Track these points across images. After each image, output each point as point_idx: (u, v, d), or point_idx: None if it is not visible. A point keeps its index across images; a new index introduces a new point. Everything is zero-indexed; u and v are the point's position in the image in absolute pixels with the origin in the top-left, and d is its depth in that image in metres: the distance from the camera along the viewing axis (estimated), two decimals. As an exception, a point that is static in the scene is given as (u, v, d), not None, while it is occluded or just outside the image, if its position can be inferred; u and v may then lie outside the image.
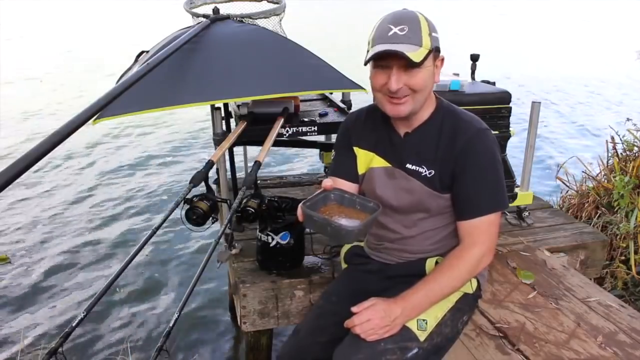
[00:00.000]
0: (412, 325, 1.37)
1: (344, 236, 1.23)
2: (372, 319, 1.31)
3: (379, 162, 1.48)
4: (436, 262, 1.49)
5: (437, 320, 1.41)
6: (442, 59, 1.38)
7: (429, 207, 1.44)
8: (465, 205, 1.40)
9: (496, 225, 1.41)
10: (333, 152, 1.61)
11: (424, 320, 1.38)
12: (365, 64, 1.34)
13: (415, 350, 1.36)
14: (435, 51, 1.31)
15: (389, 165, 1.47)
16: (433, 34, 1.30)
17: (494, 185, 1.38)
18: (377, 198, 1.47)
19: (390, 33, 1.27)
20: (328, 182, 1.30)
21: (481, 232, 1.38)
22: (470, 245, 1.38)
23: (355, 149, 1.52)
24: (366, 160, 1.51)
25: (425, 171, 1.41)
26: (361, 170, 1.52)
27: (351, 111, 1.63)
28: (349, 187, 1.51)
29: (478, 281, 1.53)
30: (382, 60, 1.29)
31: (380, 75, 1.32)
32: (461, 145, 1.36)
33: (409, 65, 1.26)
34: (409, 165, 1.43)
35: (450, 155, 1.38)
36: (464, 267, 1.38)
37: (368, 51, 1.32)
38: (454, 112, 1.43)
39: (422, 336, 1.37)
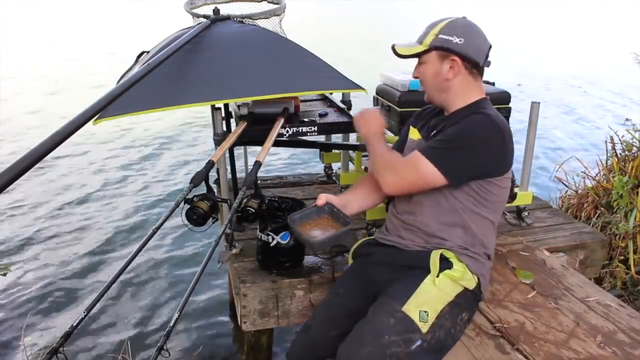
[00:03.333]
0: (414, 316, 1.41)
1: (312, 246, 1.51)
2: (367, 117, 1.68)
3: (415, 134, 1.72)
4: (441, 255, 1.52)
5: (436, 313, 1.45)
6: (453, 59, 1.53)
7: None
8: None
9: (415, 165, 1.49)
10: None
11: (425, 311, 1.42)
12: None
13: (419, 342, 1.39)
14: (439, 50, 1.53)
15: (420, 138, 1.68)
16: (441, 36, 1.52)
17: (444, 144, 1.48)
18: None
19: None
20: (321, 200, 1.59)
21: (409, 161, 1.52)
22: (408, 159, 1.54)
23: (411, 128, 1.76)
24: (412, 134, 1.74)
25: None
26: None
27: None
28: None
29: (478, 279, 1.55)
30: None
31: None
32: (456, 119, 1.54)
33: (419, 61, 1.59)
34: (428, 143, 1.58)
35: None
36: (391, 161, 1.56)
37: None
38: (481, 107, 1.56)
39: (424, 328, 1.41)
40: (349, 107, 2.68)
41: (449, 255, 1.53)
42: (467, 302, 1.53)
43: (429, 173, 1.47)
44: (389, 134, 2.28)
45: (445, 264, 1.52)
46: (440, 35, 1.52)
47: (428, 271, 1.50)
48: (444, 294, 1.48)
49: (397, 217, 1.65)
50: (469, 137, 1.47)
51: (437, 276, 1.49)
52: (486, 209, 1.56)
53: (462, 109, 1.57)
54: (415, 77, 1.64)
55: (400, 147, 1.76)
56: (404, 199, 1.62)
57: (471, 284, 1.53)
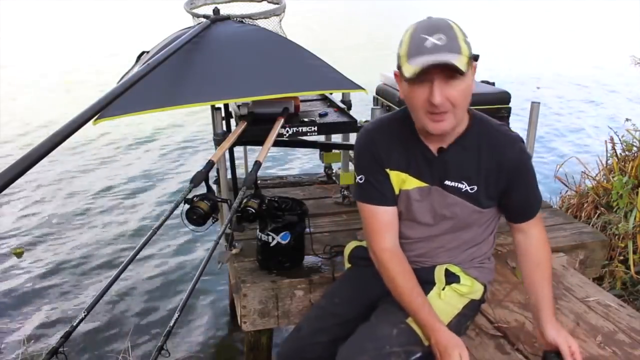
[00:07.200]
0: (418, 329, 1.38)
1: None
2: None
3: (413, 182, 1.41)
4: (445, 270, 1.48)
5: None
6: (475, 66, 1.28)
7: (465, 222, 1.43)
8: (524, 210, 1.46)
9: (541, 223, 1.51)
10: (360, 176, 1.46)
11: None
12: (408, 80, 1.22)
13: (419, 354, 1.37)
14: (471, 58, 1.22)
15: (425, 184, 1.40)
16: (467, 40, 1.21)
17: (537, 188, 1.46)
18: (412, 219, 1.44)
19: (428, 44, 1.16)
20: None
21: (538, 222, 1.47)
22: (537, 235, 1.47)
23: (387, 170, 1.42)
24: (397, 181, 1.42)
25: (466, 187, 1.37)
26: None
27: (367, 126, 1.49)
28: (392, 213, 1.43)
29: (485, 287, 1.54)
30: (422, 74, 1.18)
31: (421, 91, 1.21)
32: (512, 164, 1.37)
33: (450, 76, 1.17)
34: (447, 182, 1.38)
35: (498, 172, 1.36)
36: (548, 251, 1.48)
37: (401, 66, 1.22)
38: (488, 124, 1.39)
39: (427, 341, 1.37)
40: (349, 107, 2.68)
41: (455, 269, 1.49)
42: (473, 310, 1.52)
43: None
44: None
45: (451, 277, 1.48)
46: (467, 39, 1.20)
47: (433, 284, 1.47)
48: (451, 306, 1.45)
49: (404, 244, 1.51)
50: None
51: (443, 289, 1.46)
52: (496, 223, 1.53)
53: (471, 129, 1.36)
54: (442, 100, 1.19)
55: (388, 198, 1.42)
56: (418, 227, 1.46)
57: (479, 294, 1.51)
